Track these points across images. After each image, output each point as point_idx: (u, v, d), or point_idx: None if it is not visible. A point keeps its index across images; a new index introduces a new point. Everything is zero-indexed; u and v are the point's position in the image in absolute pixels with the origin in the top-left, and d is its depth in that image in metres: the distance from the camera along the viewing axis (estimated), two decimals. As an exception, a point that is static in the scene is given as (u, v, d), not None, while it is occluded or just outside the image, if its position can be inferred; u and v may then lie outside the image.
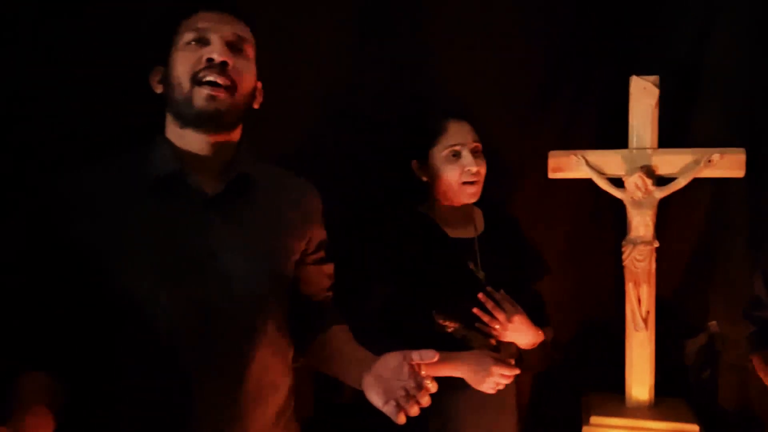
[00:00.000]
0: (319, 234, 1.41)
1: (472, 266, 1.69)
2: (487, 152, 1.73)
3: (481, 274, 1.68)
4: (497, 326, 1.63)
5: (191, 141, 1.23)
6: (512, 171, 1.97)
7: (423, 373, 1.13)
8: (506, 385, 1.61)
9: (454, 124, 1.69)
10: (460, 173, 1.65)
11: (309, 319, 1.39)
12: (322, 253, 1.42)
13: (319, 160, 1.77)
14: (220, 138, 1.23)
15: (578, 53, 1.96)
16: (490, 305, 1.63)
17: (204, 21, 1.20)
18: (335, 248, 1.46)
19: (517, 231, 1.85)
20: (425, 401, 1.10)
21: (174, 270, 1.16)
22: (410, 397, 1.10)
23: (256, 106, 1.31)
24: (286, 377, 1.33)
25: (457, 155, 1.66)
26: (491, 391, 1.58)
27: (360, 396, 1.22)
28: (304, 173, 1.43)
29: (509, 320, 1.62)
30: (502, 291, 1.65)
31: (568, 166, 1.86)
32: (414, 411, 1.10)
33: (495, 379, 1.56)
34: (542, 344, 1.73)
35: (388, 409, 1.12)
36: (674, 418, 1.76)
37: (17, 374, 1.08)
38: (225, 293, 1.20)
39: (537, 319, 1.70)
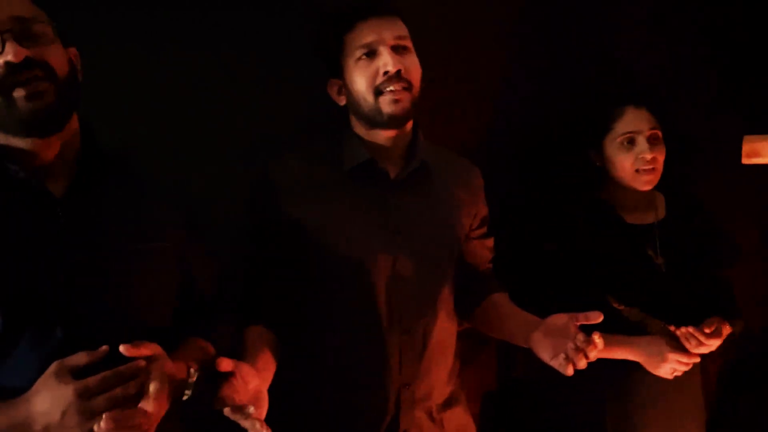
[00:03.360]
0: (482, 210, 1.52)
1: (650, 252, 1.67)
2: (675, 137, 1.69)
3: (659, 260, 1.66)
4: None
5: (377, 136, 1.36)
6: (703, 156, 1.91)
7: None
8: (690, 375, 1.60)
9: (630, 111, 1.65)
10: (633, 160, 1.63)
11: (473, 287, 1.51)
12: (485, 228, 1.53)
13: (505, 144, 1.85)
14: (402, 130, 1.36)
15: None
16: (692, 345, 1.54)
17: (366, 34, 1.28)
18: (513, 232, 1.55)
19: (703, 216, 1.76)
20: (593, 355, 1.15)
21: (367, 245, 1.34)
22: (579, 350, 1.16)
23: None
24: (455, 339, 1.47)
25: (632, 142, 1.64)
26: (668, 377, 1.57)
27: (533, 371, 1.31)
28: (488, 161, 1.55)
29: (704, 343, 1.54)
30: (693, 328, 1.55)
31: (765, 151, 1.78)
32: (582, 364, 1.15)
33: (671, 365, 1.55)
34: (730, 336, 1.64)
35: (556, 363, 1.19)
36: None
37: (246, 326, 1.28)
38: (410, 265, 1.35)
39: (725, 310, 1.64)
